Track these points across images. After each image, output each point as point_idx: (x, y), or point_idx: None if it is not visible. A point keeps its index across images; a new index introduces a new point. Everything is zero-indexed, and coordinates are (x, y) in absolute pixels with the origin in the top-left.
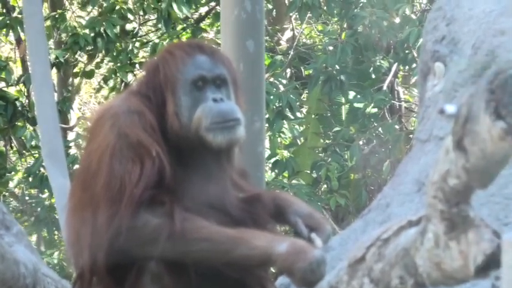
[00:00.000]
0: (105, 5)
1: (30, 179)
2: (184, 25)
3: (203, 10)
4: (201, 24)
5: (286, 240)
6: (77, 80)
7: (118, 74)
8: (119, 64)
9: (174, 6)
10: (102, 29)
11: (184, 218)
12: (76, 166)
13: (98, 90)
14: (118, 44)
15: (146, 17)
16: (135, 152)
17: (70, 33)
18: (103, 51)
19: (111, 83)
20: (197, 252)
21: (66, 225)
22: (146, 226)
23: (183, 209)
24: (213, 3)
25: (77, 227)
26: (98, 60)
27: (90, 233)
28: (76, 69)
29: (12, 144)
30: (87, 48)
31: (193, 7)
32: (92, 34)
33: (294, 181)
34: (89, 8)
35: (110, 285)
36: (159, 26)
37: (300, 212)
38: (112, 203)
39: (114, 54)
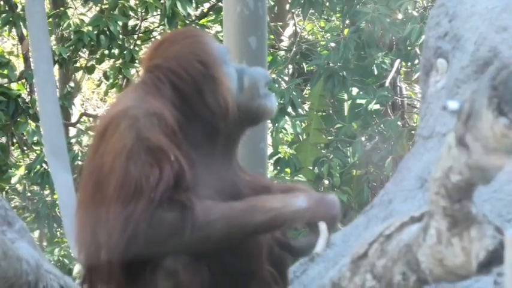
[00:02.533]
0: (106, 1)
1: (31, 175)
2: (187, 22)
3: (205, 7)
4: (203, 21)
5: (300, 195)
6: (79, 76)
7: (123, 72)
8: (120, 60)
9: (179, 4)
10: (105, 27)
11: (198, 203)
12: (77, 162)
13: (99, 85)
14: (120, 41)
15: (149, 14)
16: (153, 157)
17: (74, 31)
18: (106, 48)
19: (111, 79)
20: (217, 233)
21: (77, 224)
22: (163, 223)
23: (196, 197)
24: (214, 0)
25: (91, 225)
26: (98, 56)
27: (105, 233)
28: (77, 65)
29: (14, 140)
30: (91, 44)
31: (196, 5)
32: (95, 32)
33: (296, 177)
34: (90, 5)
35: (124, 281)
36: (163, 23)
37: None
38: (126, 205)
39: (116, 53)
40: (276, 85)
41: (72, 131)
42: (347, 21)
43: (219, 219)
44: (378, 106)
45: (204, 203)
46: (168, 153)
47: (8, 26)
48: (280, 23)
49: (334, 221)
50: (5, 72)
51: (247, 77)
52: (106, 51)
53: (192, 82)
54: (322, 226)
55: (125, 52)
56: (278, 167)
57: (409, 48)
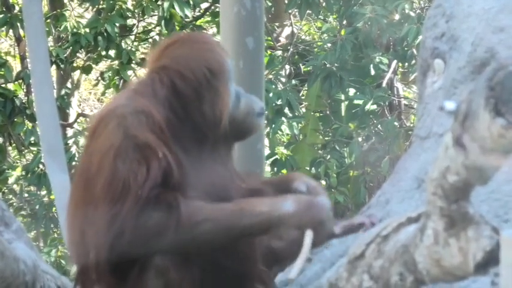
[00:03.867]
0: (102, 2)
1: (29, 176)
2: (184, 23)
3: (202, 7)
4: (200, 21)
5: (289, 199)
6: (76, 76)
7: (121, 74)
8: (116, 62)
9: (176, 8)
10: (102, 28)
11: (185, 204)
12: (75, 163)
13: (96, 84)
14: (118, 42)
15: (145, 16)
16: (141, 154)
17: (71, 33)
18: (103, 49)
19: (107, 79)
20: (203, 235)
21: (68, 225)
22: (149, 222)
23: (184, 197)
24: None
25: (81, 226)
26: (95, 56)
27: (94, 232)
28: (75, 65)
29: (12, 141)
30: (88, 46)
31: (193, 7)
32: (93, 33)
33: None
34: (87, 5)
35: (113, 281)
36: (159, 25)
37: (307, 182)
38: (114, 203)
39: (114, 53)
40: (273, 86)
41: (70, 132)
42: (344, 22)
43: (206, 220)
44: (374, 106)
45: (191, 204)
46: (155, 150)
47: (5, 27)
48: (277, 24)
49: (323, 225)
50: (2, 72)
51: (244, 98)
52: (103, 52)
53: (195, 85)
54: (307, 240)
55: (122, 53)
56: (275, 168)
57: (406, 48)
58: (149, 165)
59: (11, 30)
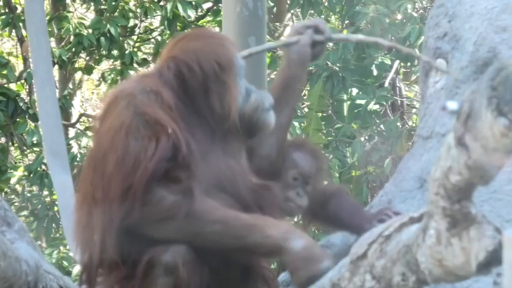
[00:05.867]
0: (104, 3)
1: (31, 176)
2: (186, 23)
3: (204, 7)
4: (201, 22)
5: (303, 238)
6: (78, 76)
7: (123, 74)
8: (119, 61)
9: (180, 8)
10: (105, 29)
11: (201, 198)
12: (77, 163)
13: (98, 85)
14: (120, 43)
15: (148, 16)
16: (151, 130)
17: (74, 34)
18: (106, 50)
19: (109, 79)
20: (210, 234)
21: (76, 213)
22: (162, 202)
23: (200, 189)
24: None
25: (87, 210)
26: (97, 56)
27: (101, 214)
28: (77, 65)
29: (14, 141)
30: (90, 48)
31: (195, 8)
32: (96, 34)
33: None
34: (90, 5)
35: (120, 277)
36: (163, 26)
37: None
38: (125, 179)
39: (117, 54)
40: None
41: (72, 132)
42: (346, 22)
43: (217, 222)
44: (377, 106)
45: (208, 201)
46: (165, 126)
47: (8, 27)
48: (279, 24)
49: (303, 278)
50: (5, 72)
51: (254, 94)
52: (105, 52)
53: (201, 78)
54: None
55: (126, 53)
56: None
57: None
58: (158, 140)
59: (13, 31)
